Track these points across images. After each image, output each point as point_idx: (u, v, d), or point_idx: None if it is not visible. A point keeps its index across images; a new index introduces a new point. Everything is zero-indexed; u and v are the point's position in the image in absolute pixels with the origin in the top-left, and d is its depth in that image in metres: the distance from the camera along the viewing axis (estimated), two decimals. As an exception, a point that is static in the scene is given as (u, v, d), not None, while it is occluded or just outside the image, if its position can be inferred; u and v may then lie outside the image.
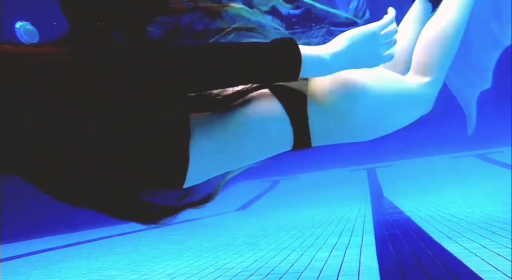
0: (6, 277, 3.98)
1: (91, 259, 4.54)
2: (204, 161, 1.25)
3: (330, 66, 1.21)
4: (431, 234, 3.45)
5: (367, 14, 9.96)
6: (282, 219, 6.98)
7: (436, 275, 2.11)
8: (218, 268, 3.07)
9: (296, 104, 1.34)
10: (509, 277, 1.93)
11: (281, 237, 4.53)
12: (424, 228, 3.84)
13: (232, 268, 3.02)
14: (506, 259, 2.28)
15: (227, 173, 1.48)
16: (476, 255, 2.47)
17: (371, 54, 1.27)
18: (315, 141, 1.42)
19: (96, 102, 1.00)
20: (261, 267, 2.94)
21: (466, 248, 2.70)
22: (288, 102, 1.33)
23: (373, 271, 2.38)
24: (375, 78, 1.45)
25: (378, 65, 1.34)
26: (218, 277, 2.75)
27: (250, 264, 3.08)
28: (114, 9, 1.06)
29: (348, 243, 3.53)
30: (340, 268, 2.58)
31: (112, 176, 1.14)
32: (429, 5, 1.82)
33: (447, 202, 6.21)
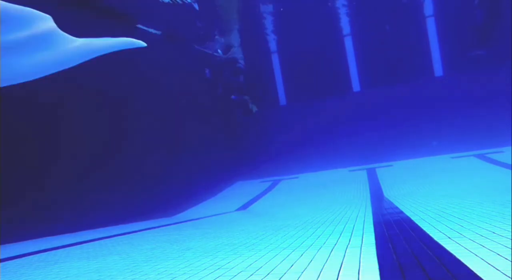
0: (6, 277, 3.97)
1: (91, 259, 4.54)
2: None
3: None
4: (431, 234, 3.45)
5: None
6: (282, 219, 6.98)
7: (436, 275, 2.11)
8: (218, 268, 3.07)
9: None
10: (509, 277, 1.93)
11: (281, 237, 4.53)
12: (424, 228, 3.84)
13: (232, 268, 3.02)
14: (506, 259, 2.28)
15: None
16: (476, 255, 2.47)
17: None
18: None
19: None
20: (261, 267, 2.93)
21: (466, 248, 2.70)
22: None
23: (373, 271, 2.38)
24: None
25: None
26: (218, 277, 2.75)
27: (250, 264, 3.08)
28: None
29: (348, 243, 3.53)
30: (340, 268, 2.58)
31: None
32: None
33: (447, 202, 6.21)
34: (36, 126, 9.09)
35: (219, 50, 17.71)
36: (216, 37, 16.81)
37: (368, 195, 10.17)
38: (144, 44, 2.23)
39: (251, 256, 3.47)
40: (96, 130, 10.66)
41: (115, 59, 11.69)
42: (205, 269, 3.12)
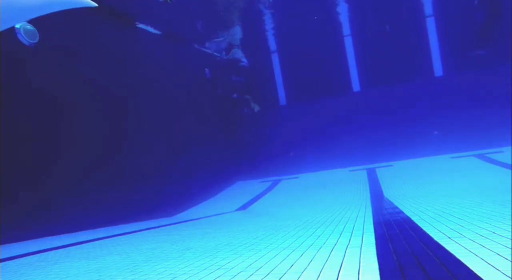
0: (6, 277, 3.97)
1: (91, 259, 4.54)
2: None
3: None
4: (431, 234, 3.45)
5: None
6: (282, 219, 6.98)
7: (436, 275, 2.11)
8: (218, 268, 3.07)
9: None
10: (509, 277, 1.93)
11: (281, 237, 4.53)
12: (424, 228, 3.84)
13: (232, 268, 3.02)
14: (506, 259, 2.28)
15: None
16: (476, 255, 2.47)
17: None
18: None
19: None
20: (261, 267, 2.93)
21: (466, 248, 2.70)
22: None
23: (373, 271, 2.38)
24: None
25: None
26: (218, 277, 2.75)
27: (250, 264, 3.08)
28: None
29: (348, 243, 3.53)
30: (340, 268, 2.58)
31: None
32: None
33: (446, 202, 6.21)
34: (36, 126, 9.09)
35: (221, 50, 17.71)
36: (217, 37, 16.81)
37: (368, 195, 10.17)
38: (95, 4, 1.88)
39: (251, 256, 3.47)
40: (96, 130, 10.65)
41: (116, 59, 11.67)
42: (205, 269, 3.12)
